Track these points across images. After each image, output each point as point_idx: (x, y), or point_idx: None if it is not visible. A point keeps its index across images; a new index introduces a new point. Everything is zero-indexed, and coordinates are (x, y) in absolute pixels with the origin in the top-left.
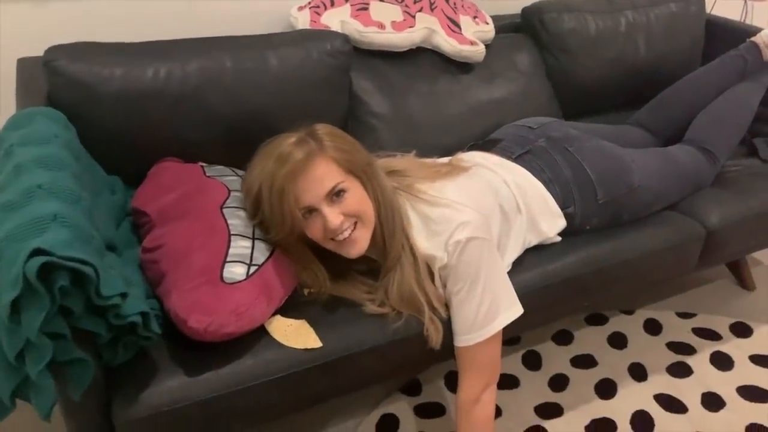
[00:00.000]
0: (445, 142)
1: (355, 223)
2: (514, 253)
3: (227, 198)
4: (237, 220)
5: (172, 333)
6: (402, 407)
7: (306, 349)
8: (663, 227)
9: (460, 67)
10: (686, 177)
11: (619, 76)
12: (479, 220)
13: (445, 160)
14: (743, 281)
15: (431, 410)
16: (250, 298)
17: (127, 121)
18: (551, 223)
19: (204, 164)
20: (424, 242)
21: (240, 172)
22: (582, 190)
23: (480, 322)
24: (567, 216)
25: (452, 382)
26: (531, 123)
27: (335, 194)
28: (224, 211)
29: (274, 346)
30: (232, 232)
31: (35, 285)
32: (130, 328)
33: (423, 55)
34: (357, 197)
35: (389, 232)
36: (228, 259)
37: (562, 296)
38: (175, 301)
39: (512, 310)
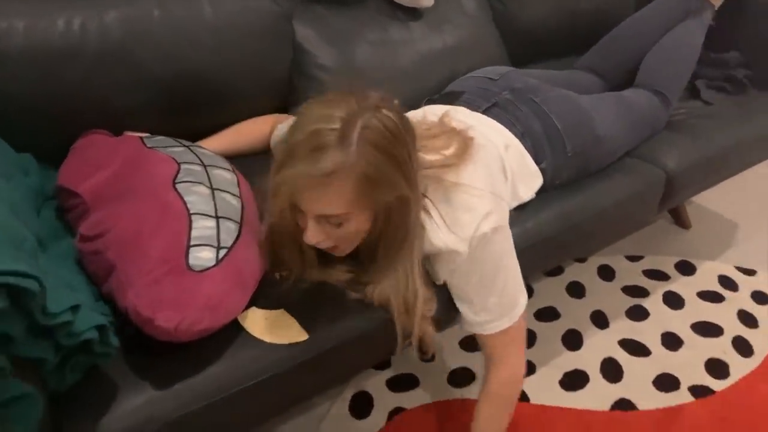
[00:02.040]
0: (399, 94)
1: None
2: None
3: (178, 172)
4: (194, 197)
5: (127, 337)
6: (374, 383)
7: (290, 344)
8: (627, 175)
9: (408, 13)
10: (644, 121)
11: (562, 20)
12: (500, 207)
13: (437, 122)
14: (681, 221)
15: (404, 382)
16: (224, 287)
17: (37, 85)
18: (528, 185)
19: (142, 135)
20: (442, 237)
21: (186, 143)
22: (552, 143)
23: (506, 306)
24: (542, 172)
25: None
26: (490, 74)
27: (329, 219)
28: (177, 186)
29: (251, 343)
30: (191, 211)
31: None
32: (83, 346)
33: (369, 1)
34: (352, 230)
35: (387, 260)
36: (192, 243)
37: (543, 255)
38: (135, 298)
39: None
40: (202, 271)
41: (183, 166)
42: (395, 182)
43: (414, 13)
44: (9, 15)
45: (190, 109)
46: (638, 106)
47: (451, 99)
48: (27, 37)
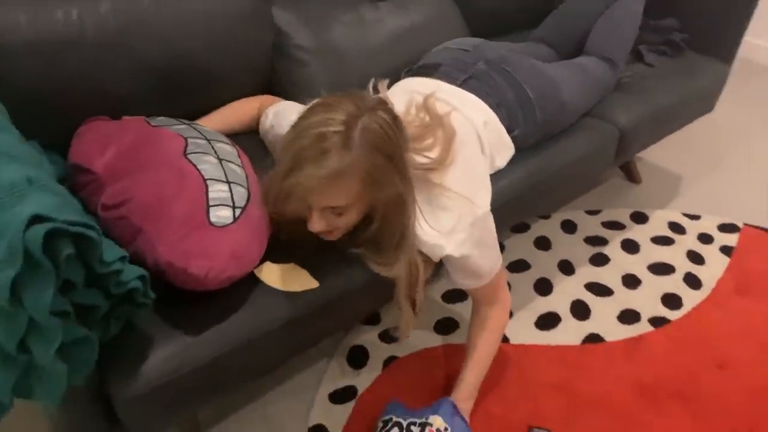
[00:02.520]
0: (374, 71)
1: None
2: None
3: (186, 145)
4: (206, 165)
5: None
6: (368, 337)
7: (304, 291)
8: (586, 133)
9: None
10: (597, 85)
11: None
12: (485, 200)
13: (411, 107)
14: (632, 177)
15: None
16: (244, 240)
17: (40, 77)
18: (503, 156)
19: (144, 117)
20: (427, 233)
21: (186, 122)
22: (525, 112)
23: (491, 269)
24: (513, 139)
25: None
26: (464, 45)
27: (333, 210)
28: (189, 157)
29: (269, 292)
30: (206, 177)
31: (39, 258)
32: (127, 296)
33: None
34: (350, 220)
35: (393, 250)
36: (210, 203)
37: (515, 210)
38: (166, 253)
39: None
40: (223, 226)
41: (190, 140)
42: (393, 179)
43: None
44: (11, 10)
45: (183, 93)
46: (592, 71)
47: (429, 71)
48: (29, 30)
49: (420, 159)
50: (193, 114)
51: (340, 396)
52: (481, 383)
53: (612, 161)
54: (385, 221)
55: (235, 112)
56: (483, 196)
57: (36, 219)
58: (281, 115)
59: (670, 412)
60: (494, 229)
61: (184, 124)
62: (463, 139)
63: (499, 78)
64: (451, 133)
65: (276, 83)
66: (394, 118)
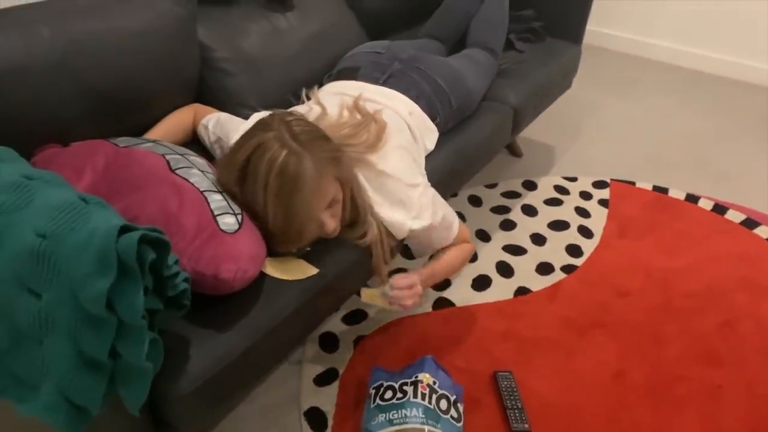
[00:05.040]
0: (295, 76)
1: None
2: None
3: (167, 161)
4: (196, 178)
5: None
6: (333, 324)
7: (307, 278)
8: (488, 114)
9: (280, 5)
10: (487, 72)
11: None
12: (421, 176)
13: (344, 109)
14: (515, 151)
15: (356, 317)
16: (253, 241)
17: None
18: (431, 138)
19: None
20: (388, 212)
21: (149, 139)
22: (441, 100)
23: (452, 223)
24: (436, 126)
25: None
26: (376, 48)
27: (332, 203)
28: (177, 172)
29: (277, 284)
30: (201, 189)
31: (131, 264)
32: (172, 300)
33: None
34: (344, 201)
35: (363, 215)
36: (215, 213)
37: (445, 188)
38: (191, 263)
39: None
40: (233, 232)
41: (167, 156)
42: (341, 156)
43: (286, 5)
44: None
45: (122, 112)
46: (481, 60)
47: (350, 74)
48: None
49: (354, 141)
50: (135, 130)
51: (324, 378)
52: (434, 282)
53: (510, 136)
54: (352, 198)
55: (177, 124)
56: (422, 174)
57: (124, 229)
58: (224, 126)
59: (594, 338)
60: (437, 194)
61: (149, 141)
62: (396, 129)
63: (415, 74)
64: (383, 125)
65: (207, 94)
66: (300, 116)
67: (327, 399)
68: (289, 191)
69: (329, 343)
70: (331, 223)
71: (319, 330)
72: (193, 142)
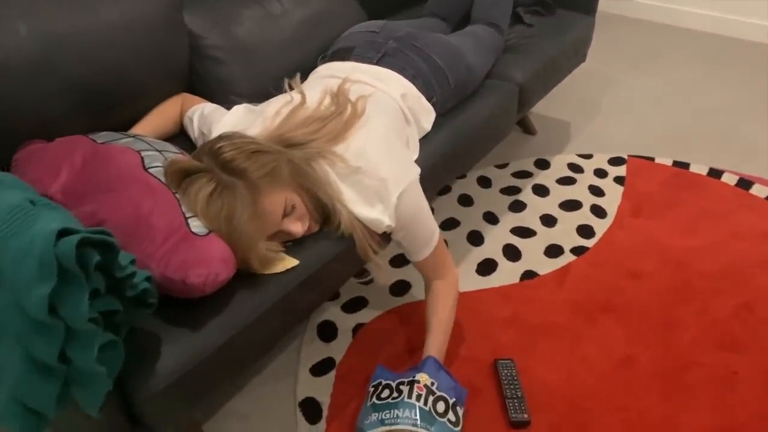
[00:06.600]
0: (288, 61)
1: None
2: (414, 156)
3: (142, 159)
4: None
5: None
6: (332, 312)
7: (287, 270)
8: (492, 93)
9: None
10: (491, 49)
11: None
12: (401, 169)
13: (326, 96)
14: (528, 129)
15: (356, 305)
16: (225, 244)
17: None
18: (427, 119)
19: (88, 135)
20: (364, 210)
21: (130, 134)
22: (438, 78)
23: (428, 236)
24: (433, 106)
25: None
26: (371, 27)
27: (287, 210)
28: (150, 171)
29: (256, 277)
30: (173, 190)
31: (72, 268)
32: (139, 298)
33: None
34: (302, 205)
35: (329, 206)
36: (186, 215)
37: (445, 170)
38: (159, 268)
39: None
40: (205, 235)
41: (143, 153)
42: (274, 162)
43: None
44: None
45: (108, 105)
46: (484, 37)
47: (344, 54)
48: None
49: (311, 149)
50: (123, 124)
51: (321, 368)
52: (445, 351)
53: (516, 115)
54: (311, 194)
55: (165, 116)
56: (406, 170)
57: (62, 233)
58: (206, 119)
59: (602, 323)
60: (423, 197)
61: (129, 137)
62: (384, 112)
63: (411, 53)
64: (358, 113)
65: (198, 84)
66: (232, 135)
67: (322, 389)
68: (225, 224)
69: (327, 331)
70: (298, 227)
71: (317, 318)
72: (183, 134)
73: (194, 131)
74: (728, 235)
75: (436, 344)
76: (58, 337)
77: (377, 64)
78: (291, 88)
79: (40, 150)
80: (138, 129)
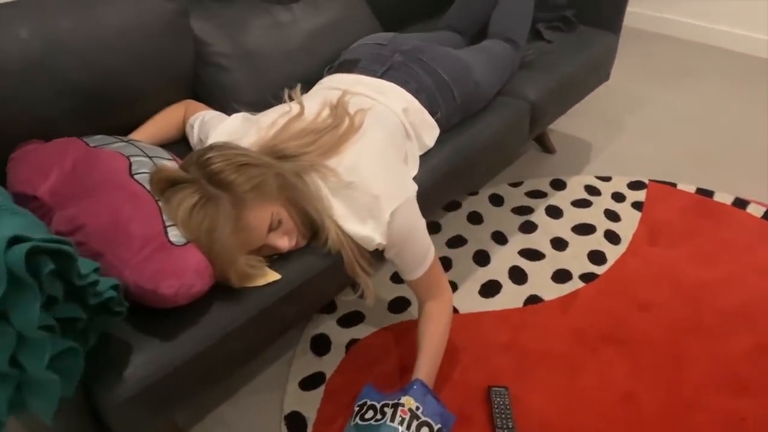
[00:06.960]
0: (295, 71)
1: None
2: (413, 172)
3: (130, 165)
4: None
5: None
6: (327, 325)
7: (268, 284)
8: (501, 110)
9: None
10: (504, 65)
11: None
12: (396, 185)
13: (325, 107)
14: (546, 148)
15: (352, 319)
16: (203, 255)
17: None
18: (430, 135)
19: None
20: (355, 227)
21: (123, 138)
22: (443, 93)
23: (422, 256)
24: (437, 122)
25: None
26: (379, 39)
27: (273, 226)
28: (136, 177)
29: (236, 290)
30: (156, 198)
31: (22, 276)
32: (104, 306)
33: None
34: (289, 220)
35: (318, 221)
36: (167, 223)
37: (447, 187)
38: (133, 275)
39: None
40: (182, 245)
41: (132, 159)
42: (262, 175)
43: None
44: None
45: (111, 109)
46: (497, 53)
47: (349, 66)
48: None
49: (303, 162)
50: (125, 128)
51: (310, 382)
52: (436, 374)
53: (527, 134)
54: (299, 208)
55: (167, 122)
56: (401, 186)
57: (14, 240)
58: (204, 127)
59: (606, 355)
60: (418, 215)
61: (123, 141)
62: (383, 127)
63: (416, 66)
64: (355, 127)
65: (201, 91)
66: (222, 145)
67: (309, 404)
68: (206, 237)
69: (321, 344)
70: (284, 242)
71: (312, 330)
72: (184, 140)
73: (194, 138)
74: (747, 271)
75: (425, 367)
76: (9, 343)
77: (382, 77)
78: (291, 99)
79: (34, 151)
80: (139, 134)
